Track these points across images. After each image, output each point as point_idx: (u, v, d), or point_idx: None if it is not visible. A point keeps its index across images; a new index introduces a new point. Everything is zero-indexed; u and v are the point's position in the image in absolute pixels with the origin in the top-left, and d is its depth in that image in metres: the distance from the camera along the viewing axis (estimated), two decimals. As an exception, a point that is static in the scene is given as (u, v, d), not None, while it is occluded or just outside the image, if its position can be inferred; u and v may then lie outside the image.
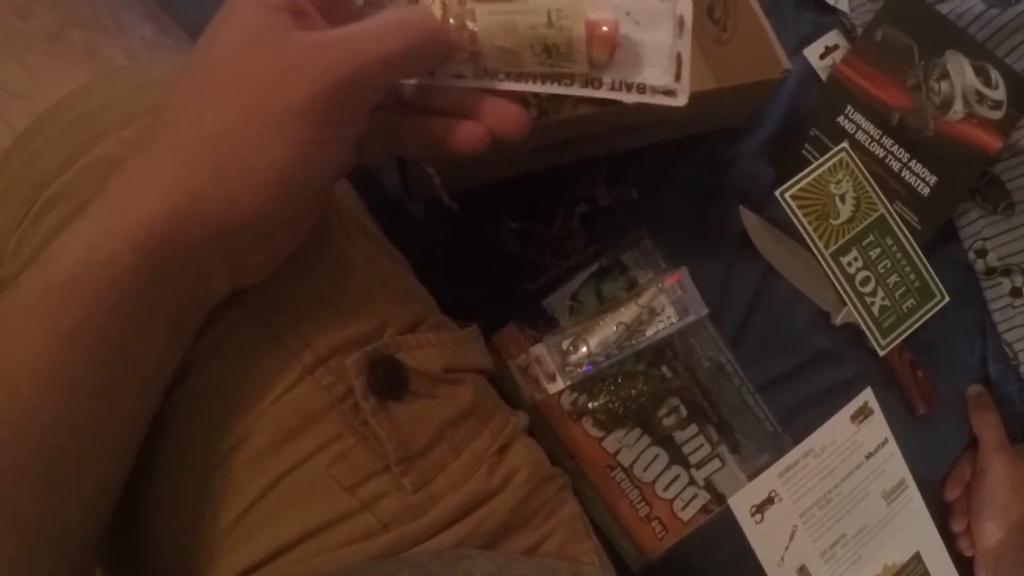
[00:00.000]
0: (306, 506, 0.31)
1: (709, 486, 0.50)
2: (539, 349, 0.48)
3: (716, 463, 0.50)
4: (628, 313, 0.49)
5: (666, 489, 0.49)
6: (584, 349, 0.48)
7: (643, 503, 0.48)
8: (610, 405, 0.49)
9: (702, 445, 0.50)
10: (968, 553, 0.57)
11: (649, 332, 0.49)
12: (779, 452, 0.51)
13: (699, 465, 0.50)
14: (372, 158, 0.32)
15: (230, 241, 0.26)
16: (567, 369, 0.48)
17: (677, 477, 0.49)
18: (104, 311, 0.24)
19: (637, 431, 0.49)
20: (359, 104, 0.26)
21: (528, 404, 0.48)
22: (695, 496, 0.49)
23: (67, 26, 0.33)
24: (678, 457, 0.49)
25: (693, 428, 0.50)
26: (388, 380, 0.33)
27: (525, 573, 0.34)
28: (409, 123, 0.31)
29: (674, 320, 0.50)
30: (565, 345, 0.48)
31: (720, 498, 0.49)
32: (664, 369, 0.50)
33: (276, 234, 0.28)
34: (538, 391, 0.48)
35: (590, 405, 0.48)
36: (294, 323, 0.31)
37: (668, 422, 0.49)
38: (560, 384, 0.48)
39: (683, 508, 0.49)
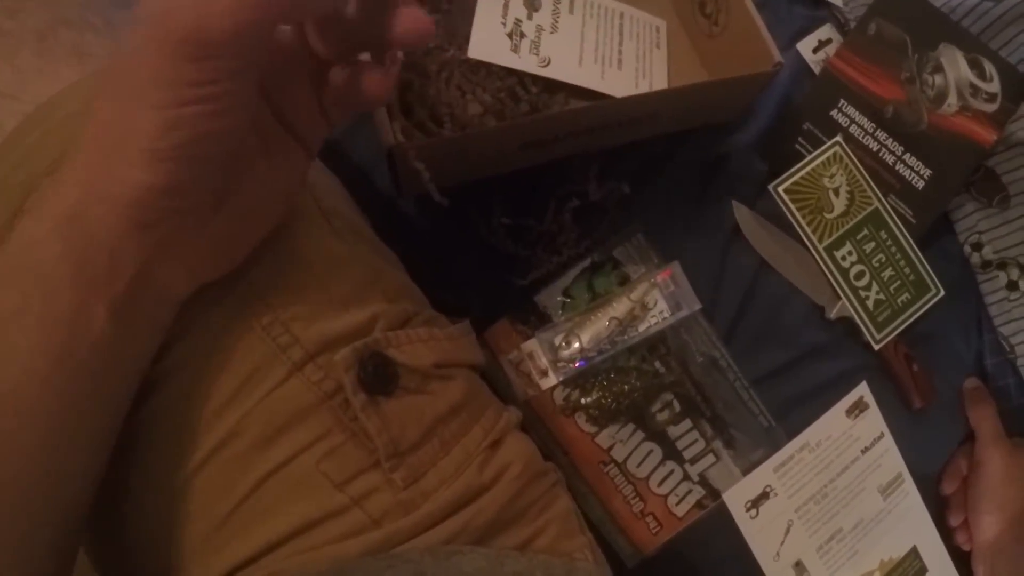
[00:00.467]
0: (296, 503, 0.31)
1: (704, 481, 0.49)
2: (531, 344, 0.48)
3: (710, 458, 0.50)
4: (620, 308, 0.49)
5: (660, 484, 0.49)
6: (576, 344, 0.48)
7: (637, 499, 0.48)
8: (603, 401, 0.49)
9: (696, 440, 0.50)
10: (965, 547, 0.57)
11: (642, 327, 0.49)
12: (774, 447, 0.51)
13: (693, 460, 0.50)
14: (332, 122, 0.31)
15: (144, 220, 0.25)
16: (559, 364, 0.48)
17: (671, 472, 0.49)
18: (34, 292, 0.25)
19: (631, 426, 0.49)
20: (216, 59, 0.24)
21: (520, 400, 0.48)
22: (689, 491, 0.49)
23: (56, 26, 0.33)
24: (672, 452, 0.49)
25: (687, 423, 0.50)
26: (378, 376, 0.33)
27: (518, 569, 0.33)
28: (338, 72, 0.29)
29: (667, 315, 0.50)
30: (557, 340, 0.48)
31: (715, 493, 0.49)
32: (657, 364, 0.50)
33: (197, 210, 0.27)
34: (530, 387, 0.48)
35: (583, 401, 0.48)
36: (282, 319, 0.31)
37: (662, 417, 0.49)
38: (552, 380, 0.48)
39: (677, 503, 0.49)
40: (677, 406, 0.49)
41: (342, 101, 0.30)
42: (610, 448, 0.48)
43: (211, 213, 0.27)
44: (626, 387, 0.49)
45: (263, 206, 0.29)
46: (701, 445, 0.50)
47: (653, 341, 0.50)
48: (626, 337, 0.49)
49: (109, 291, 0.26)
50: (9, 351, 0.25)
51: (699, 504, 0.49)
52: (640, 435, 0.49)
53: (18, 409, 0.25)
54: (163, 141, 0.24)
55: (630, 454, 0.48)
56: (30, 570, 0.26)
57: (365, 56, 0.29)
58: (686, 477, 0.49)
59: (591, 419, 0.48)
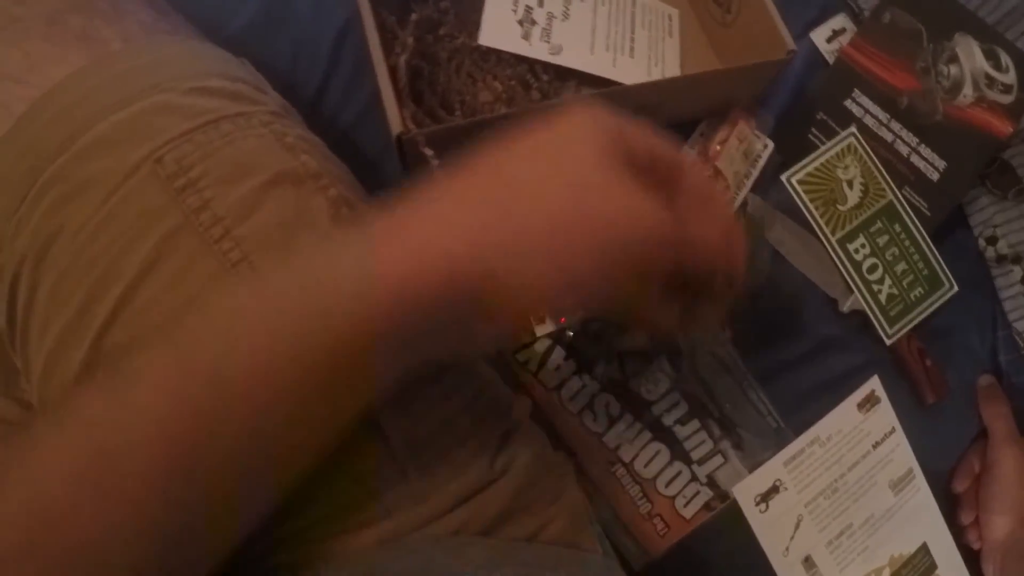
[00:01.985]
0: (310, 494, 0.30)
1: (711, 483, 0.49)
2: None
3: (719, 459, 0.49)
4: None
5: (668, 486, 0.48)
6: None
7: (644, 500, 0.48)
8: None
9: (704, 441, 0.49)
10: (975, 546, 0.56)
11: None
12: (781, 448, 0.50)
13: (701, 461, 0.49)
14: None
15: (508, 282, 0.24)
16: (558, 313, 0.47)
17: (679, 473, 0.48)
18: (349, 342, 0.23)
19: (638, 426, 0.48)
20: (626, 264, 0.26)
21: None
22: (697, 493, 0.49)
23: (65, 11, 0.33)
24: (680, 453, 0.49)
25: (695, 424, 0.49)
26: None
27: (527, 559, 0.33)
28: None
29: None
30: None
31: (723, 495, 0.49)
32: (667, 366, 0.49)
33: (548, 288, 0.26)
34: (525, 333, 0.47)
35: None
36: None
37: (669, 417, 0.49)
38: (549, 327, 0.47)
39: (685, 505, 0.48)
40: (685, 406, 0.49)
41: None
42: (617, 448, 0.48)
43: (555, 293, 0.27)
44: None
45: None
46: (709, 446, 0.49)
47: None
48: None
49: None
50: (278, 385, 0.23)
51: (707, 506, 0.49)
52: (647, 435, 0.48)
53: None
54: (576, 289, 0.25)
55: (637, 454, 0.48)
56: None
57: None
58: (694, 478, 0.49)
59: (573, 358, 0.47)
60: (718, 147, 0.51)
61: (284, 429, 0.24)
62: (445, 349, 0.28)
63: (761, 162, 0.54)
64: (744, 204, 0.53)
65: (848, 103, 0.58)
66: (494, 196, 0.25)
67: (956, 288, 0.56)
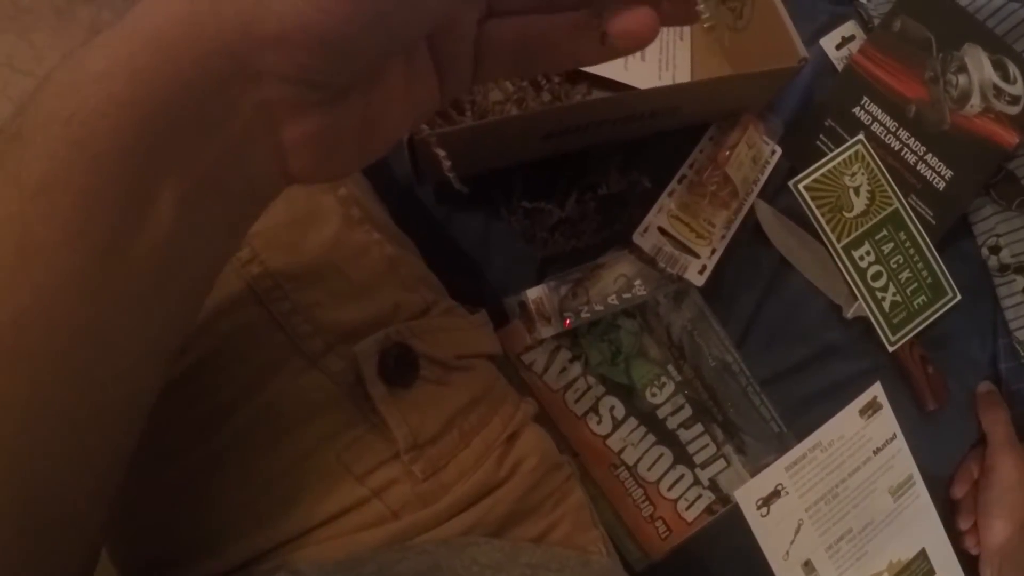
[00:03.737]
0: (317, 494, 0.30)
1: (714, 486, 0.49)
2: (539, 290, 0.47)
3: (721, 463, 0.50)
4: (629, 266, 0.49)
5: (670, 489, 0.48)
6: (583, 297, 0.47)
7: (647, 503, 0.48)
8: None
9: (707, 445, 0.49)
10: (974, 551, 0.57)
11: (649, 288, 0.49)
12: (784, 452, 0.50)
13: (704, 465, 0.49)
14: (478, 76, 0.25)
15: (249, 68, 0.19)
16: (564, 314, 0.47)
17: (682, 477, 0.49)
18: (82, 157, 0.18)
19: (642, 429, 0.48)
20: None
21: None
22: (699, 496, 0.49)
23: (74, 3, 0.33)
24: (683, 457, 0.49)
25: (698, 427, 0.49)
26: (399, 367, 0.32)
27: (532, 561, 0.33)
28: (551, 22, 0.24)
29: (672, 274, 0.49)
30: (564, 290, 0.47)
31: (725, 499, 0.49)
32: (670, 368, 0.49)
33: (319, 79, 0.20)
34: (531, 333, 0.47)
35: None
36: (301, 309, 0.31)
37: (673, 421, 0.49)
38: (553, 328, 0.47)
39: (687, 508, 0.49)
40: (689, 410, 0.49)
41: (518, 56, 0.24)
42: (621, 451, 0.48)
43: (317, 103, 0.21)
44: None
45: (390, 119, 0.23)
46: (712, 450, 0.49)
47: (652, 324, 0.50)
48: (631, 295, 0.48)
49: (183, 164, 0.19)
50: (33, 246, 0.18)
51: (709, 509, 0.49)
52: (651, 438, 0.48)
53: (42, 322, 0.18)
54: None
55: (641, 457, 0.48)
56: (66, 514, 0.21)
57: None
58: (696, 482, 0.49)
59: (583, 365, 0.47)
60: (727, 152, 0.51)
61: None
62: (232, 146, 0.20)
63: (769, 168, 0.54)
64: (752, 210, 0.53)
65: (857, 110, 0.58)
66: None
67: (959, 297, 0.57)
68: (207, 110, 0.19)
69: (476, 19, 0.23)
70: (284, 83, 0.19)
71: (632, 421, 0.48)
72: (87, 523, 0.22)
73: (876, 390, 0.53)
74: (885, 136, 0.57)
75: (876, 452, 0.53)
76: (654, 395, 0.49)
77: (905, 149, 0.57)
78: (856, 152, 0.55)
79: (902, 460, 0.54)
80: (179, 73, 0.18)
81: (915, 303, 0.56)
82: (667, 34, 0.54)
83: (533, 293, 0.46)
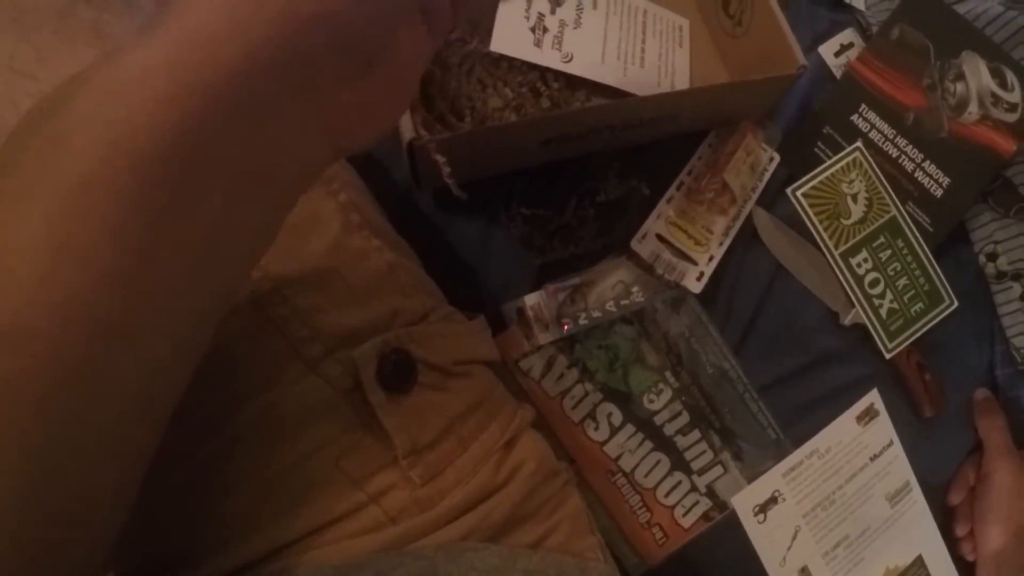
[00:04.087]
0: (314, 500, 0.30)
1: (711, 493, 0.49)
2: (536, 297, 0.47)
3: (718, 470, 0.50)
4: (628, 272, 0.49)
5: (667, 495, 0.48)
6: (581, 303, 0.47)
7: (644, 509, 0.48)
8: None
9: (704, 451, 0.49)
10: (970, 557, 0.57)
11: (646, 294, 0.49)
12: (781, 459, 0.50)
13: (701, 471, 0.49)
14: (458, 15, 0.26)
15: (306, 53, 0.20)
16: (562, 320, 0.47)
17: (679, 483, 0.49)
18: (122, 158, 0.18)
19: (639, 436, 0.48)
20: None
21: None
22: (696, 503, 0.49)
23: (75, 4, 0.33)
24: (680, 463, 0.49)
25: (696, 434, 0.49)
26: (397, 372, 0.32)
27: (530, 567, 0.33)
28: None
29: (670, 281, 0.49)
30: (562, 296, 0.47)
31: (722, 505, 0.49)
32: (668, 375, 0.49)
33: (369, 52, 0.22)
34: (528, 339, 0.47)
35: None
36: (300, 314, 0.31)
37: (670, 428, 0.49)
38: (551, 335, 0.47)
39: (684, 515, 0.49)
40: (686, 416, 0.49)
41: None
42: (618, 458, 0.48)
43: (356, 73, 0.22)
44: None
45: (398, 81, 0.24)
46: (709, 456, 0.49)
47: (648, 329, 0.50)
48: (630, 301, 0.48)
49: (231, 158, 0.19)
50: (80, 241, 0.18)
51: (706, 516, 0.49)
52: (648, 445, 0.48)
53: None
54: None
55: (638, 464, 0.48)
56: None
57: None
58: (693, 488, 0.49)
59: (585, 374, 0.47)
60: (726, 159, 0.51)
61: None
62: (305, 149, 0.22)
63: (767, 175, 0.54)
64: (750, 217, 0.54)
65: (855, 118, 0.58)
66: None
67: (956, 304, 0.57)
68: (257, 101, 0.19)
69: None
70: (330, 55, 0.20)
71: (629, 427, 0.48)
72: (103, 521, 0.22)
73: (873, 397, 0.53)
74: (883, 143, 0.58)
75: (873, 459, 0.53)
76: (651, 402, 0.49)
77: (903, 156, 0.58)
78: (854, 159, 0.55)
79: (899, 467, 0.54)
80: (225, 68, 0.18)
81: (912, 310, 0.56)
82: (666, 41, 0.54)
83: (531, 299, 0.46)
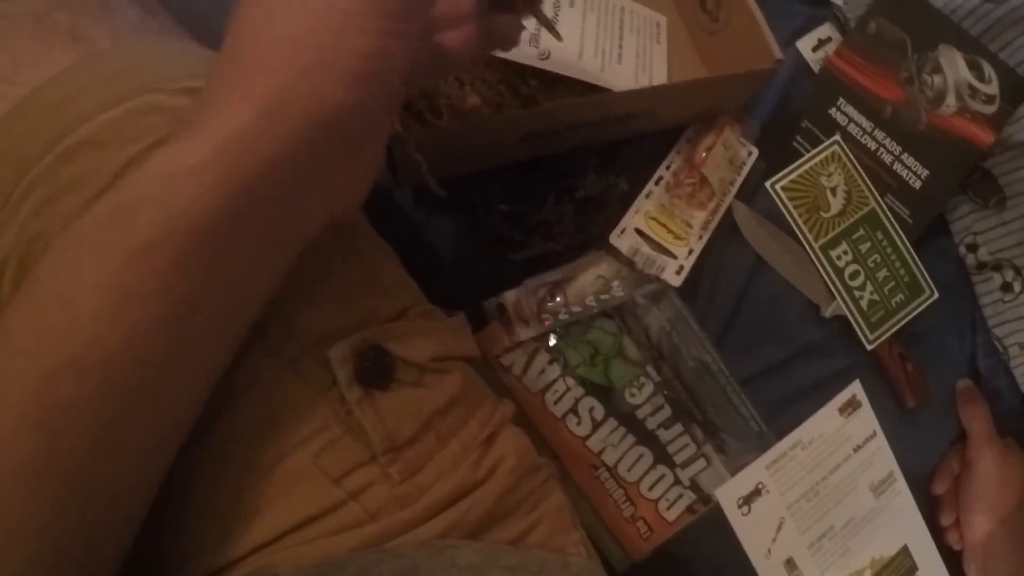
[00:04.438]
0: (293, 498, 0.30)
1: (695, 486, 0.49)
2: (515, 293, 0.47)
3: (701, 463, 0.50)
4: (608, 266, 0.49)
5: (651, 489, 0.48)
6: (560, 298, 0.47)
7: (628, 503, 0.48)
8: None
9: (687, 445, 0.49)
10: (957, 546, 0.57)
11: (626, 289, 0.49)
12: (764, 451, 0.50)
13: (684, 465, 0.49)
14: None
15: (318, 145, 0.24)
16: (543, 316, 0.47)
17: (662, 477, 0.49)
18: (178, 230, 0.22)
19: (622, 430, 0.48)
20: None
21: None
22: (680, 496, 0.49)
23: (53, 8, 0.33)
24: (663, 457, 0.49)
25: (678, 427, 0.49)
26: (374, 369, 0.32)
27: (511, 563, 0.33)
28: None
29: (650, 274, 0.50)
30: (542, 292, 0.47)
31: (706, 498, 0.49)
32: (649, 368, 0.50)
33: (361, 138, 0.27)
34: (509, 335, 0.47)
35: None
36: (277, 313, 0.31)
37: (653, 421, 0.49)
38: (532, 331, 0.47)
39: (668, 508, 0.49)
40: (668, 410, 0.49)
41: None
42: (601, 452, 0.48)
43: (351, 159, 0.27)
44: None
45: (376, 154, 0.30)
46: (692, 450, 0.50)
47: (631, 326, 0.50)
48: (610, 296, 0.48)
49: (263, 230, 0.25)
50: (136, 289, 0.22)
51: (690, 509, 0.49)
52: (631, 439, 0.48)
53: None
54: (367, 63, 0.24)
55: (621, 458, 0.48)
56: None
57: None
58: (677, 482, 0.49)
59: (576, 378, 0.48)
60: (704, 154, 0.51)
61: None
62: (307, 220, 0.27)
63: (746, 169, 0.54)
64: (729, 210, 0.54)
65: (833, 111, 0.58)
66: (262, 53, 0.25)
67: (936, 295, 0.57)
68: (279, 187, 0.24)
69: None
70: (332, 147, 0.25)
71: (611, 422, 0.48)
72: (129, 528, 0.27)
73: (855, 388, 0.54)
74: (861, 136, 0.58)
75: (856, 450, 0.54)
76: (633, 396, 0.49)
77: (881, 149, 0.58)
78: (832, 153, 0.56)
79: (882, 457, 0.54)
80: (260, 163, 0.23)
81: (893, 301, 0.56)
82: (644, 37, 0.55)
83: (511, 295, 0.46)
